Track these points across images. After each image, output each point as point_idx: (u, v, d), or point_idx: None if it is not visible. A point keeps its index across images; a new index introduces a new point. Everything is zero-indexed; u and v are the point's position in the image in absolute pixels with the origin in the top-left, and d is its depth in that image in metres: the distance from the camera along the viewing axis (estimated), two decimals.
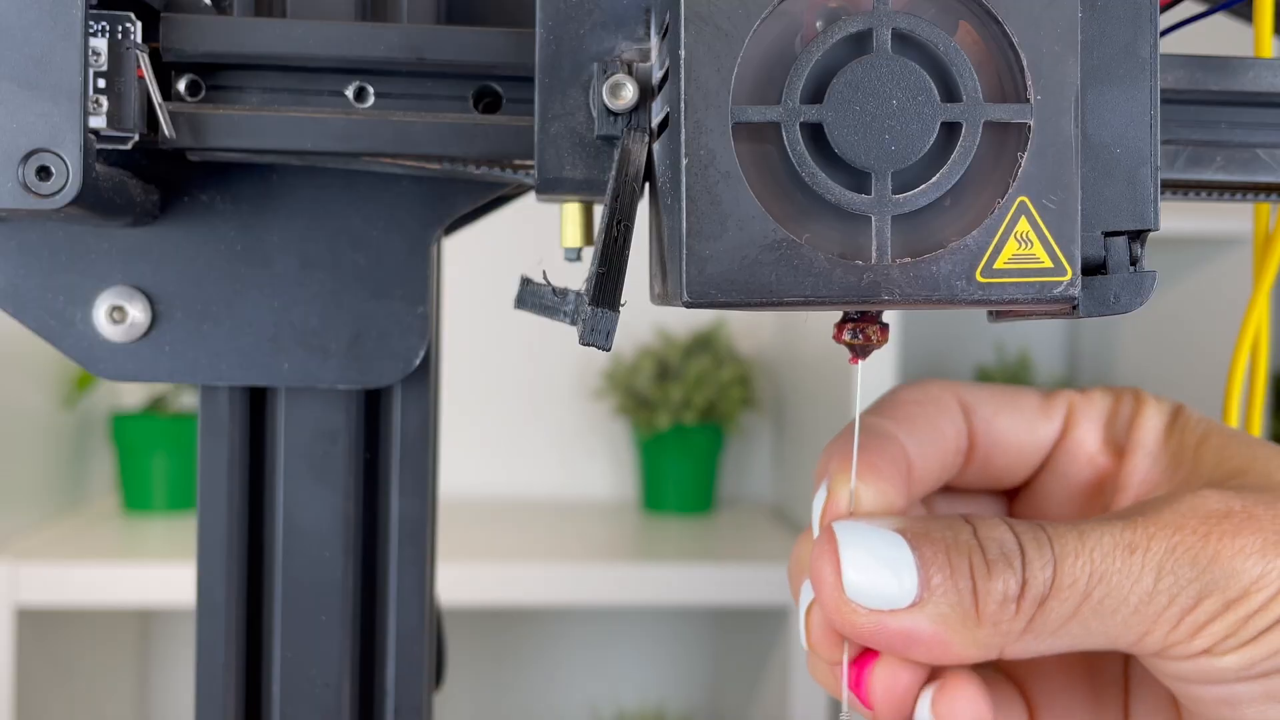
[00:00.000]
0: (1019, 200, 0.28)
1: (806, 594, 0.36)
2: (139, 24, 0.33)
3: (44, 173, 0.30)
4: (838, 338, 0.32)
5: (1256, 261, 0.40)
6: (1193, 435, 0.37)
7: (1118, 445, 0.38)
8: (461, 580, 1.14)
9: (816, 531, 0.35)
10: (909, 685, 0.34)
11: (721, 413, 1.38)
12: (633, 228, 0.30)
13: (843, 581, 0.33)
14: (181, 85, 0.35)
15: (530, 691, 1.54)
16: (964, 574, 0.32)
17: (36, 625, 1.16)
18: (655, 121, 0.32)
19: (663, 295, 0.31)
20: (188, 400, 1.37)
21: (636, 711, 1.51)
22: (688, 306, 0.28)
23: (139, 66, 0.33)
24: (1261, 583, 0.31)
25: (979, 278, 0.28)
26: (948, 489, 0.39)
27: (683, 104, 0.27)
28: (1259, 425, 0.41)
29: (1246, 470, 0.34)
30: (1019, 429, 0.38)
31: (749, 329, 1.51)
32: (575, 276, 0.33)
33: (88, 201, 0.31)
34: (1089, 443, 0.38)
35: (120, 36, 0.32)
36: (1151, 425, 0.37)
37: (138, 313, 0.38)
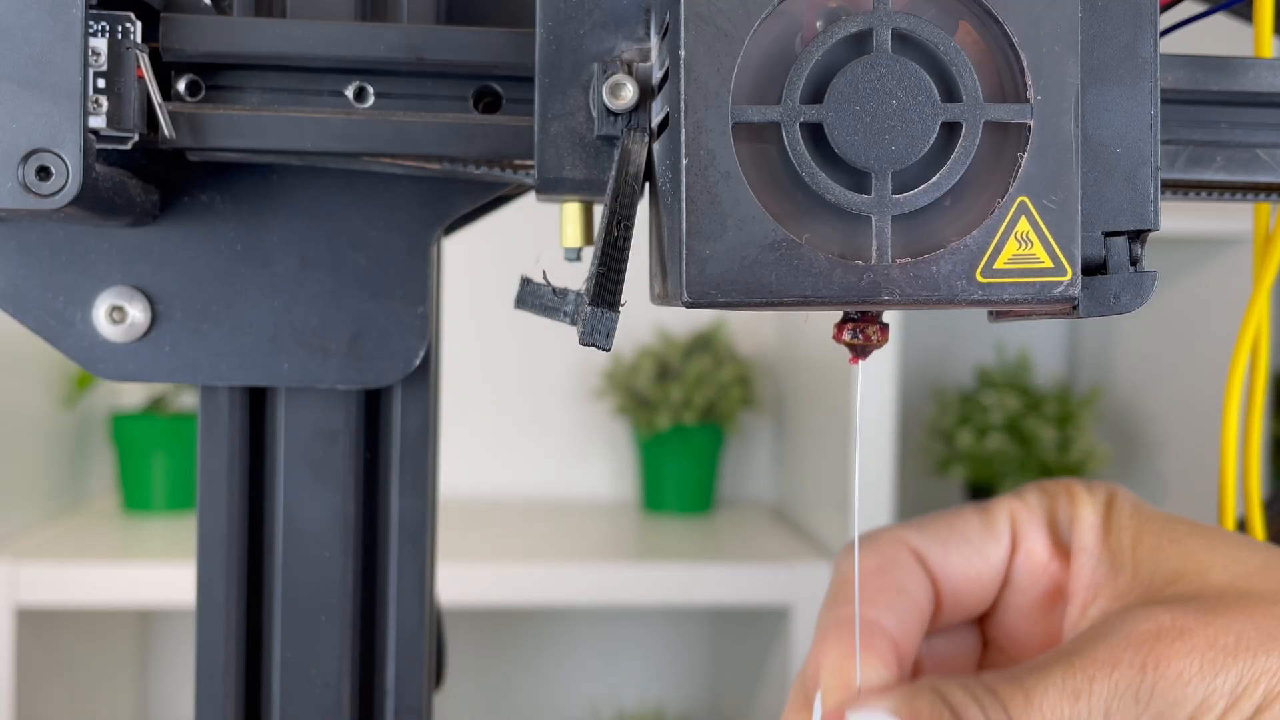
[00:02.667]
0: (1019, 200, 0.28)
1: None
2: (139, 24, 0.33)
3: (44, 173, 0.30)
4: (838, 338, 0.32)
5: (1256, 261, 0.40)
6: (1127, 534, 0.37)
7: (1065, 548, 0.38)
8: (461, 580, 1.14)
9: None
10: None
11: (721, 413, 1.38)
12: (633, 228, 0.30)
13: None
14: (181, 85, 0.35)
15: (530, 691, 1.54)
16: None
17: (36, 625, 1.16)
18: (655, 121, 0.32)
19: (663, 295, 0.31)
20: (188, 400, 1.37)
21: (636, 711, 1.51)
22: (688, 306, 0.28)
23: (139, 66, 0.33)
24: (1205, 706, 0.31)
25: (979, 278, 0.28)
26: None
27: (683, 104, 0.27)
28: (1259, 425, 0.41)
29: (1181, 573, 0.35)
30: (973, 561, 0.38)
31: (749, 329, 1.51)
32: (575, 276, 0.33)
33: (88, 201, 0.31)
34: (1039, 553, 0.38)
35: (120, 36, 0.32)
36: (1089, 524, 0.37)
37: (138, 313, 0.38)
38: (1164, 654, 0.32)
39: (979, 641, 0.41)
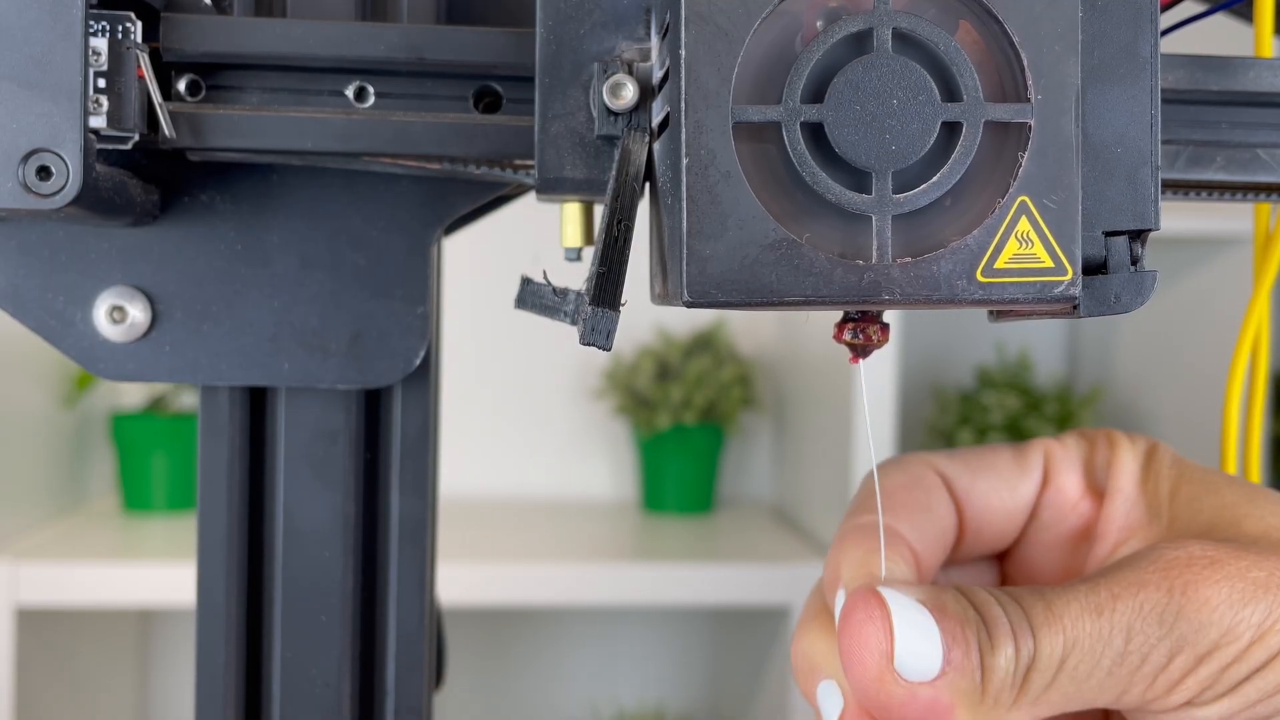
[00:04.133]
0: (1019, 200, 0.28)
1: (828, 697, 0.35)
2: (139, 24, 0.33)
3: (44, 173, 0.30)
4: (838, 338, 0.32)
5: (1256, 261, 0.40)
6: (1165, 483, 0.36)
7: (1098, 490, 0.37)
8: (461, 580, 1.14)
9: (838, 616, 0.34)
10: None
11: (721, 413, 1.38)
12: (633, 228, 0.30)
13: (894, 651, 0.32)
14: (181, 85, 0.35)
15: (530, 691, 1.54)
16: (976, 649, 0.31)
17: (36, 625, 1.16)
18: (655, 121, 0.32)
19: (663, 295, 0.31)
20: (188, 400, 1.37)
21: (636, 711, 1.51)
22: (688, 306, 0.28)
23: (139, 66, 0.33)
24: (1231, 635, 0.31)
25: (979, 277, 0.28)
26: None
27: (683, 104, 0.27)
28: (1259, 425, 0.41)
29: (1215, 524, 0.34)
30: (1000, 492, 0.38)
31: (749, 329, 1.51)
32: (575, 276, 0.33)
33: (88, 201, 0.31)
34: (1070, 491, 0.38)
35: (120, 36, 0.32)
36: (1128, 470, 0.37)
37: (138, 313, 0.38)
38: (1194, 579, 0.31)
39: (997, 578, 0.40)
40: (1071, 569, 0.38)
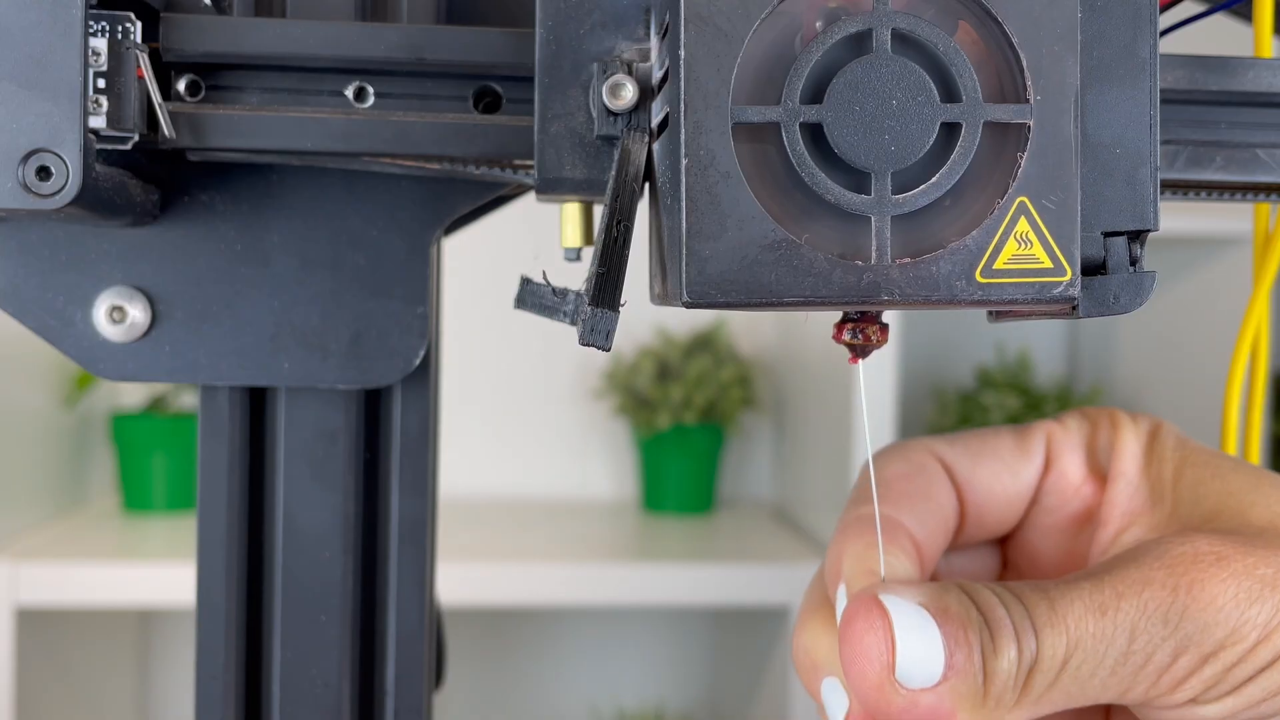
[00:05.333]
0: (1019, 200, 0.28)
1: (832, 694, 0.34)
2: (139, 24, 0.33)
3: (44, 173, 0.30)
4: (837, 338, 0.32)
5: (1256, 261, 0.40)
6: (1169, 466, 0.36)
7: (1101, 474, 0.37)
8: (461, 580, 1.14)
9: (840, 617, 0.34)
10: None
11: (721, 413, 1.38)
12: (633, 228, 0.30)
13: (895, 661, 0.31)
14: (181, 85, 0.35)
15: (530, 691, 1.54)
16: (978, 651, 0.31)
17: (36, 625, 1.16)
18: (655, 121, 0.32)
19: (663, 295, 0.31)
20: (188, 400, 1.37)
21: (636, 711, 1.51)
22: (688, 306, 0.28)
23: (139, 66, 0.33)
24: (1236, 635, 0.30)
25: (979, 278, 0.28)
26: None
27: (683, 104, 0.27)
28: (1259, 425, 0.41)
29: (1220, 511, 0.34)
30: (1001, 477, 0.37)
31: (749, 329, 1.51)
32: (575, 276, 0.33)
33: (87, 201, 0.31)
34: (1073, 474, 0.37)
35: (120, 36, 0.32)
36: (1131, 452, 0.36)
37: (138, 313, 0.38)
38: (1199, 577, 0.31)
39: (999, 563, 0.39)
40: (1075, 553, 0.38)
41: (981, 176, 0.28)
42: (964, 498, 0.38)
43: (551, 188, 0.34)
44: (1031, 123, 0.27)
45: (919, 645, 0.31)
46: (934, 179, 0.27)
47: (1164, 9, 0.35)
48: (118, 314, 0.37)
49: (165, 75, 0.35)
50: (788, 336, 1.47)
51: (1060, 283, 0.28)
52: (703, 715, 1.55)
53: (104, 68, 0.32)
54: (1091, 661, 0.31)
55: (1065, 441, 0.38)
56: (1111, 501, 0.36)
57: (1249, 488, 0.34)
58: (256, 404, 0.40)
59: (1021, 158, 0.28)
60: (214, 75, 0.35)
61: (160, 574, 1.12)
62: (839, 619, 0.34)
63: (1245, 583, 0.31)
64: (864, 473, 0.37)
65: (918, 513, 0.36)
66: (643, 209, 0.31)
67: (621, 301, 0.29)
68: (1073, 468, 0.37)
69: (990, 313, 0.31)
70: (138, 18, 0.33)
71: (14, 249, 0.37)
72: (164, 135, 0.34)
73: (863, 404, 1.18)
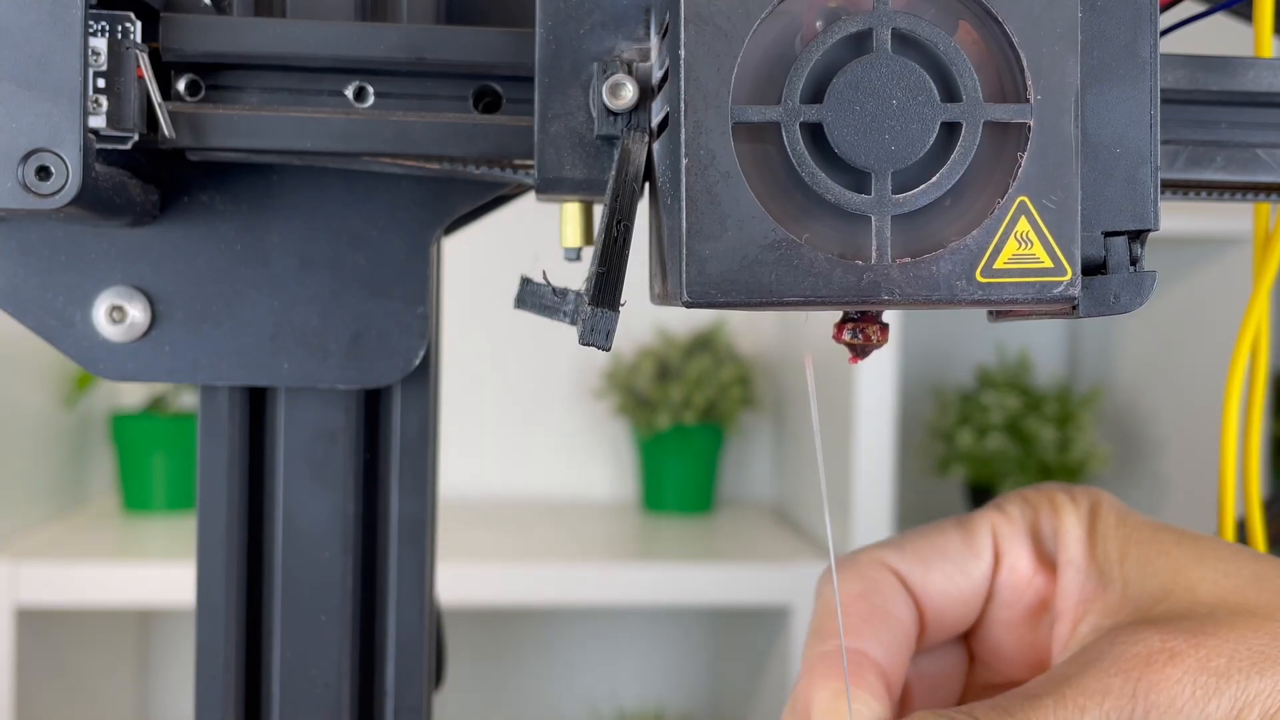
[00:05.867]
0: (1019, 200, 0.28)
1: None
2: (139, 24, 0.33)
3: (44, 173, 0.30)
4: (837, 338, 0.32)
5: (1256, 261, 0.40)
6: (1114, 545, 0.36)
7: (1050, 562, 0.38)
8: (461, 580, 1.14)
9: None
10: None
11: (721, 413, 1.38)
12: (633, 228, 0.30)
13: None
14: (181, 85, 0.35)
15: (530, 691, 1.54)
16: None
17: (36, 625, 1.16)
18: (655, 121, 0.32)
19: (663, 295, 0.31)
20: (188, 400, 1.37)
21: (636, 711, 1.51)
22: (688, 306, 0.28)
23: (139, 66, 0.33)
24: None
25: (979, 278, 0.28)
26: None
27: (683, 104, 0.27)
28: (1258, 425, 0.41)
29: (1170, 590, 0.34)
30: (954, 579, 0.38)
31: (749, 329, 1.51)
32: (575, 276, 0.33)
33: (87, 201, 0.31)
34: (1022, 568, 0.38)
35: (120, 36, 0.32)
36: (1074, 536, 0.37)
37: (138, 313, 0.38)
38: (1154, 680, 0.31)
39: (965, 658, 0.40)
40: (1036, 645, 0.38)
41: (982, 176, 0.28)
42: (921, 605, 0.38)
43: (551, 188, 0.34)
44: (1032, 122, 0.27)
45: None
46: (934, 179, 0.27)
47: (1164, 9, 0.35)
48: (117, 314, 0.37)
49: (165, 75, 0.35)
50: (788, 336, 1.47)
51: (1060, 282, 0.28)
52: (703, 715, 1.55)
53: (104, 68, 0.32)
54: None
55: (1010, 532, 0.38)
56: (1064, 592, 0.37)
57: (1194, 561, 0.34)
58: (256, 404, 0.40)
59: (1022, 157, 0.28)
60: (214, 75, 0.35)
61: (160, 574, 1.12)
62: None
63: (1200, 678, 0.31)
64: (822, 595, 0.38)
65: (879, 636, 0.37)
66: (643, 209, 0.31)
67: (621, 301, 0.29)
68: (1021, 560, 0.38)
69: (990, 313, 0.31)
70: (138, 18, 0.33)
71: (14, 249, 0.37)
72: (164, 135, 0.34)
73: (859, 405, 1.18)
